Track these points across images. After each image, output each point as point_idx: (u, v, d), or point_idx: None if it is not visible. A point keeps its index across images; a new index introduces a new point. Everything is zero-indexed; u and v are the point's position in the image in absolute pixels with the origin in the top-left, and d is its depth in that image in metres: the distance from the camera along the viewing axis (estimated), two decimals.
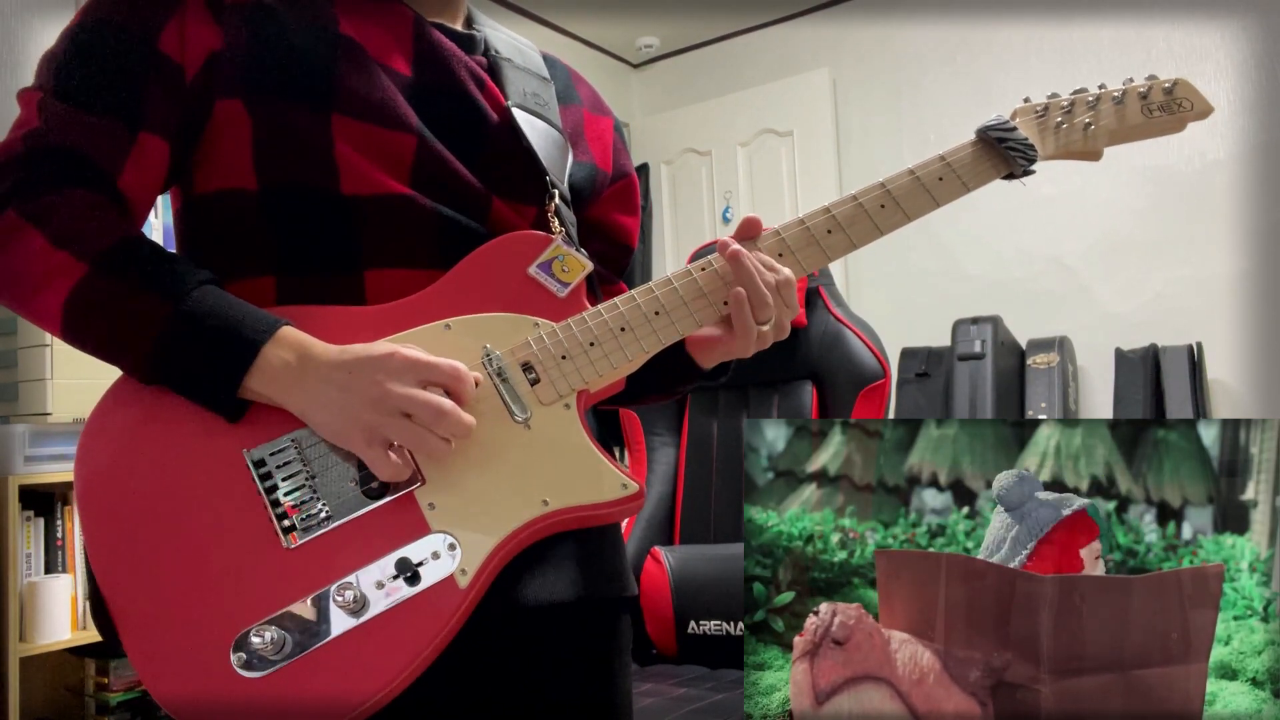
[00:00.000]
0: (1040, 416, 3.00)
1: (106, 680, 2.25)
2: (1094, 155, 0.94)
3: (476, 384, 0.73)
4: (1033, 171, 0.90)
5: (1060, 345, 3.13)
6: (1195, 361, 2.97)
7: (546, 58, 0.97)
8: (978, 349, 3.06)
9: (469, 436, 0.71)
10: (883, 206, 0.86)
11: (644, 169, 4.22)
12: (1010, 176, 0.90)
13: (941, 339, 3.23)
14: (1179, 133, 0.94)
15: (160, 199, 0.84)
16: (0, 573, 2.05)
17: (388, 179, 0.77)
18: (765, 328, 0.82)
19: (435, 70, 0.82)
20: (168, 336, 0.69)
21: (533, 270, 0.79)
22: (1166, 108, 0.93)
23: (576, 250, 0.81)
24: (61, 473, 2.14)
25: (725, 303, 0.82)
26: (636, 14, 3.93)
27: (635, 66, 4.43)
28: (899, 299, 3.65)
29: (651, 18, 3.98)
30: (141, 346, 0.70)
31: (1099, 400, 3.24)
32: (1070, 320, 3.29)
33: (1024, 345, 3.22)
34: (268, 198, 0.77)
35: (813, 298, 2.01)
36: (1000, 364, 3.06)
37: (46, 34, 2.46)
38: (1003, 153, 0.88)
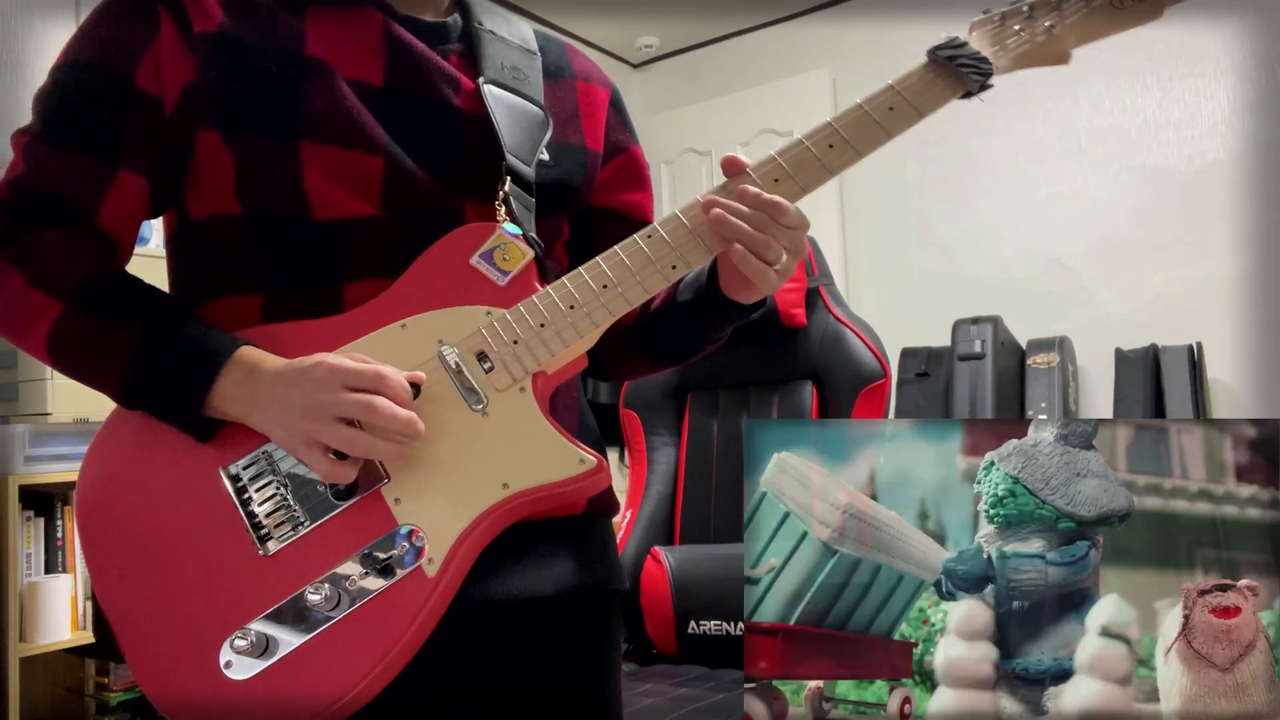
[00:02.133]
0: (1041, 417, 3.01)
1: (106, 680, 2.26)
2: (1062, 59, 0.86)
3: (418, 385, 0.74)
4: (990, 86, 0.84)
5: (1060, 345, 3.13)
6: (1195, 361, 2.97)
7: (540, 34, 0.96)
8: (978, 349, 3.06)
9: (414, 431, 0.72)
10: (831, 146, 0.83)
11: None
12: (967, 95, 0.85)
13: (941, 339, 3.23)
14: (1156, 20, 0.85)
15: None
16: (0, 573, 2.05)
17: (358, 203, 0.79)
18: (779, 265, 0.80)
19: (407, 77, 0.82)
20: (135, 367, 0.74)
21: (474, 260, 0.80)
22: None
23: (522, 238, 0.81)
24: (61, 473, 2.14)
25: (673, 266, 0.81)
26: (636, 14, 3.93)
27: (635, 66, 4.43)
28: (899, 299, 3.65)
29: (651, 18, 3.98)
30: (114, 377, 0.74)
31: (1099, 400, 3.24)
32: (1070, 320, 3.29)
33: (1024, 345, 3.22)
34: (250, 223, 0.79)
35: (813, 298, 2.01)
36: (1000, 364, 3.06)
37: (46, 34, 2.46)
38: (955, 71, 0.84)
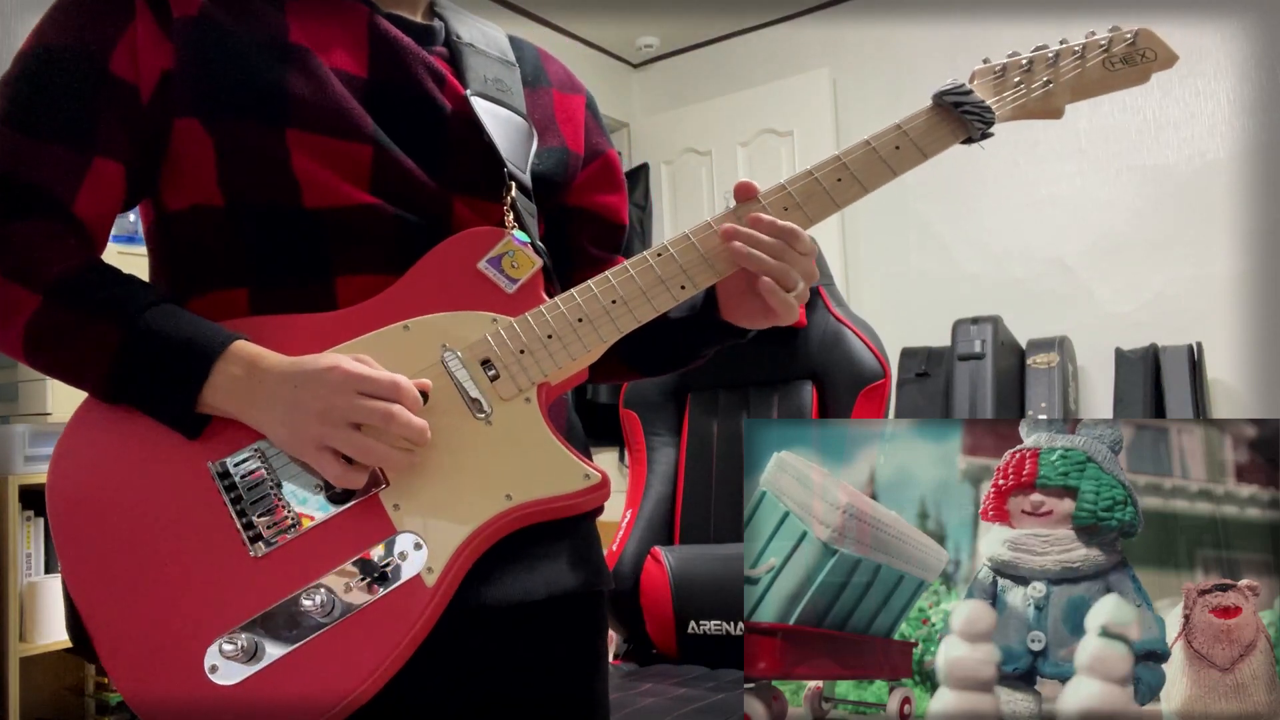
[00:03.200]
0: (1040, 416, 3.01)
1: (106, 680, 2.26)
2: (1055, 114, 0.90)
3: (426, 394, 0.73)
4: (991, 134, 0.87)
5: (1060, 345, 3.13)
6: (1195, 361, 2.97)
7: (514, 40, 0.96)
8: (978, 349, 3.06)
9: (425, 441, 0.71)
10: (839, 180, 0.84)
11: (644, 169, 4.21)
12: (969, 141, 0.88)
13: (941, 339, 3.23)
14: (1143, 84, 0.91)
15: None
16: (0, 573, 2.05)
17: (349, 189, 0.77)
18: (796, 293, 0.82)
19: (391, 69, 0.81)
20: (121, 361, 0.71)
21: (482, 265, 0.79)
22: (1129, 59, 0.90)
23: (530, 246, 0.81)
24: None
25: (682, 287, 0.81)
26: (636, 14, 3.92)
27: (635, 66, 4.43)
28: (899, 299, 3.65)
29: (651, 18, 3.98)
30: (98, 372, 0.71)
31: (1099, 400, 3.24)
32: (1070, 320, 3.29)
33: (1024, 345, 3.22)
34: (234, 213, 0.77)
35: (813, 298, 2.01)
36: (1000, 364, 3.06)
37: None
38: (959, 117, 0.86)
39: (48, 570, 2.17)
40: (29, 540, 2.13)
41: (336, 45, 0.80)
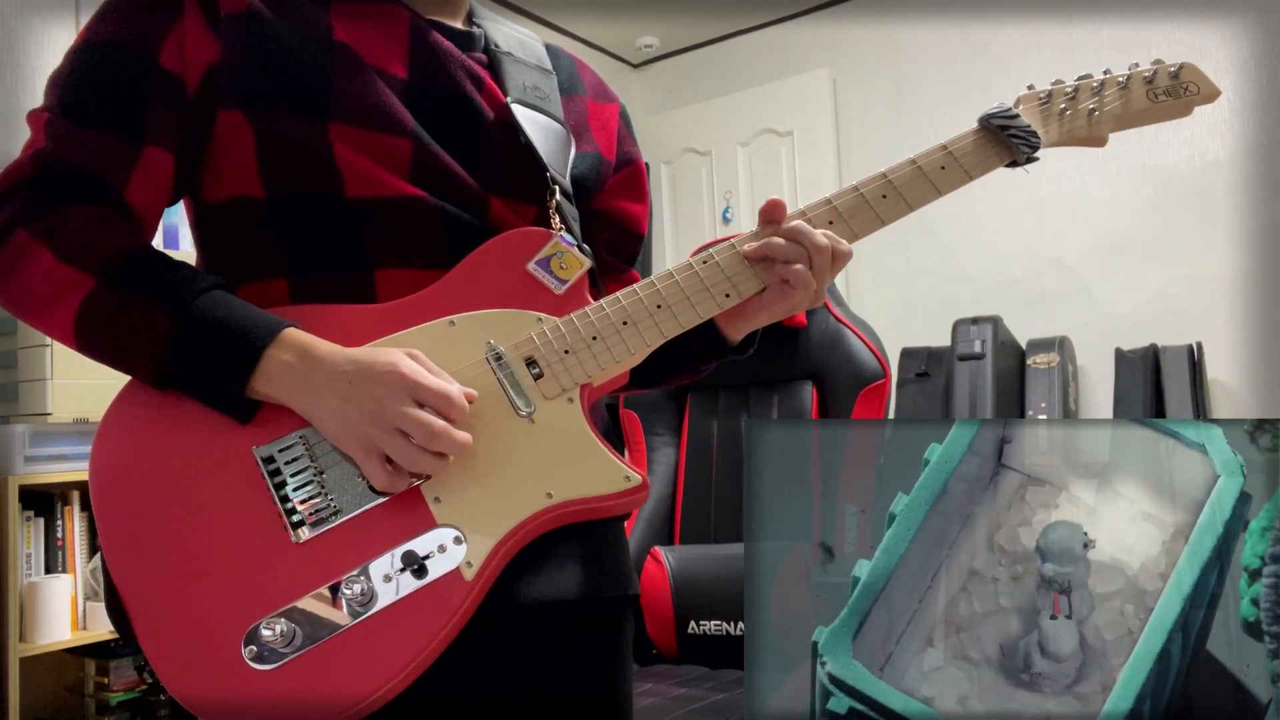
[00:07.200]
0: (1040, 417, 3.01)
1: (106, 680, 2.26)
2: (1099, 141, 0.92)
3: (471, 400, 0.74)
4: (1036, 159, 0.88)
5: (1060, 345, 3.13)
6: (1195, 361, 2.97)
7: (550, 48, 0.98)
8: (978, 349, 3.06)
9: (463, 449, 0.72)
10: (884, 196, 0.86)
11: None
12: (1014, 164, 0.89)
13: (941, 339, 3.23)
14: (1185, 117, 0.92)
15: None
16: (0, 573, 2.05)
17: (392, 179, 0.78)
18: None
19: (431, 71, 0.82)
20: (173, 344, 0.71)
21: (531, 266, 0.80)
22: (1172, 92, 0.91)
23: (576, 247, 0.82)
24: (61, 473, 2.14)
25: (727, 295, 0.82)
26: (636, 14, 3.93)
27: (635, 66, 4.43)
28: (899, 299, 3.65)
29: (651, 18, 3.98)
30: (149, 355, 0.72)
31: (1099, 400, 3.24)
32: (1070, 320, 3.29)
33: (1024, 345, 3.22)
34: (275, 204, 0.78)
35: None
36: (1000, 364, 3.06)
37: (46, 34, 2.46)
38: (1005, 140, 0.88)
39: (48, 570, 2.17)
40: (29, 540, 2.13)
41: (378, 46, 0.81)
